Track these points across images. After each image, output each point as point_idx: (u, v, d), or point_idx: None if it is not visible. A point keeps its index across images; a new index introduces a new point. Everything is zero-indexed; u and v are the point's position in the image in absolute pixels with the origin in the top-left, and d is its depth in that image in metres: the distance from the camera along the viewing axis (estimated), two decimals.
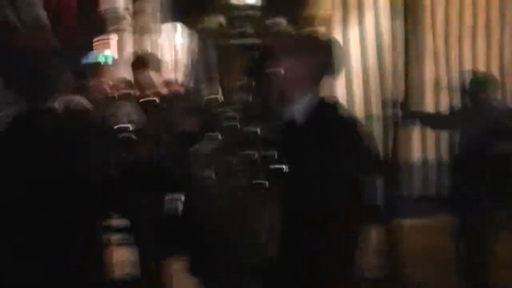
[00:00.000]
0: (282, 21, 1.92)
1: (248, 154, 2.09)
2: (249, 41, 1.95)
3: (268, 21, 1.91)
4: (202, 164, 2.39)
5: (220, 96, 2.14)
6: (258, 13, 1.90)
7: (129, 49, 16.24)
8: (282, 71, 2.71)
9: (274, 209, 2.21)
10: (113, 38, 22.10)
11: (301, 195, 2.36)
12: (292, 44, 2.74)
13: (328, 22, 7.55)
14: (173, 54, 12.73)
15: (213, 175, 2.25)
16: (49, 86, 2.73)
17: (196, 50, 4.05)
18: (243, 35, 1.93)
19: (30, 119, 2.58)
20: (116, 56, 22.16)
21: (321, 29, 7.35)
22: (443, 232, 7.19)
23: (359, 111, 7.90)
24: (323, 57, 2.86)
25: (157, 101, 4.39)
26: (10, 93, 2.55)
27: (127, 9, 15.90)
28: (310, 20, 1.92)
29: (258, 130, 2.10)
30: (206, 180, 2.30)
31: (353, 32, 7.88)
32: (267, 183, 2.11)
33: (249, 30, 1.93)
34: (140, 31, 16.65)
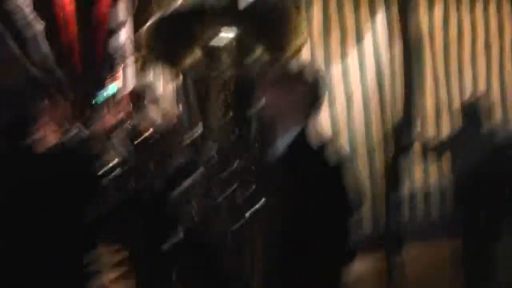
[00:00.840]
0: (264, 53, 1.88)
1: (230, 189, 2.07)
2: (229, 74, 1.93)
3: (249, 53, 1.87)
4: (188, 198, 2.37)
5: (202, 131, 2.11)
6: (238, 45, 1.87)
7: (131, 81, 16.39)
8: (265, 105, 2.68)
9: (257, 243, 2.19)
10: (119, 71, 22.31)
11: (282, 230, 2.33)
12: (275, 76, 2.71)
13: (325, 49, 7.59)
14: (174, 84, 12.82)
15: (198, 209, 2.23)
16: (28, 123, 2.73)
17: (180, 84, 4.05)
18: (222, 68, 1.90)
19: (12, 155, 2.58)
20: (120, 88, 22.33)
21: (319, 57, 7.42)
22: (448, 257, 7.17)
23: (360, 139, 7.89)
24: (308, 89, 2.82)
25: (151, 134, 4.39)
26: None
27: (128, 40, 16.06)
28: (296, 51, 1.88)
29: (241, 165, 2.07)
30: (193, 214, 2.28)
31: (352, 60, 7.88)
32: (250, 217, 2.09)
33: (228, 62, 1.91)
34: (141, 62, 16.76)
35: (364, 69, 7.96)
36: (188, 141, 3.54)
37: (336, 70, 7.71)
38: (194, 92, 2.08)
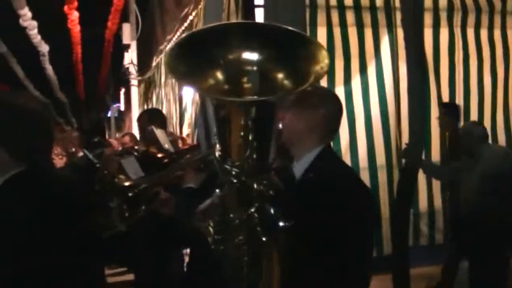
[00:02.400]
0: (282, 76, 1.91)
1: (249, 211, 2.08)
2: (249, 97, 1.95)
3: (267, 77, 1.90)
4: (204, 221, 2.39)
5: (220, 153, 2.12)
6: (257, 69, 1.90)
7: (135, 102, 16.45)
8: (282, 127, 2.73)
9: (275, 266, 2.20)
10: (121, 92, 22.37)
11: (300, 253, 2.35)
12: (292, 99, 2.76)
13: (329, 75, 7.63)
14: (177, 108, 12.86)
15: (215, 232, 2.23)
16: (44, 146, 2.74)
17: (198, 106, 4.07)
18: (242, 91, 1.93)
19: (29, 178, 2.59)
20: (122, 109, 22.35)
21: (322, 82, 7.44)
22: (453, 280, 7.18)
23: (362, 161, 7.92)
24: (325, 112, 2.87)
25: (161, 157, 4.41)
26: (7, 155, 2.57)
27: (131, 63, 16.14)
28: (312, 75, 1.91)
29: (260, 187, 2.09)
30: (208, 237, 2.29)
31: (355, 82, 7.93)
32: (268, 240, 2.10)
33: (248, 85, 1.93)
34: (145, 84, 16.85)
35: (367, 95, 8.01)
36: (204, 164, 3.57)
37: (339, 95, 7.73)
38: (214, 115, 2.10)
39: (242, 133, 2.04)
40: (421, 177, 7.85)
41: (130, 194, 3.75)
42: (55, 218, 2.55)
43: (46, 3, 15.17)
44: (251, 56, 2.05)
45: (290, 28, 2.04)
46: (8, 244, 2.43)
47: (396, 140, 7.96)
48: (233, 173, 2.08)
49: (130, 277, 7.17)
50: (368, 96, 7.99)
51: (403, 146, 7.05)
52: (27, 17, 14.74)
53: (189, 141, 8.42)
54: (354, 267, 2.66)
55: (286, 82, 2.05)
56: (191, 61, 2.03)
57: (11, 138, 2.58)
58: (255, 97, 2.08)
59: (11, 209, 2.48)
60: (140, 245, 3.47)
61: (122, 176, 4.03)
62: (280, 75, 2.05)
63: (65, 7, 14.45)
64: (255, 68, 2.06)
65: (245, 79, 2.09)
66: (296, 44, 2.04)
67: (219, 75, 2.06)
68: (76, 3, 14.08)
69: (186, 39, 2.09)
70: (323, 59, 2.01)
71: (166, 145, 4.63)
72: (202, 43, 2.06)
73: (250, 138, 2.04)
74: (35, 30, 15.90)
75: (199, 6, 9.62)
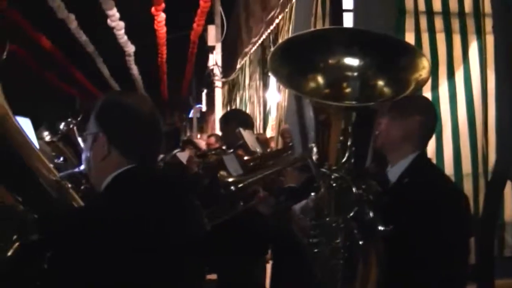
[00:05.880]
0: (383, 83, 1.92)
1: (348, 215, 2.10)
2: (348, 102, 1.96)
3: (367, 83, 1.92)
4: (299, 223, 2.40)
5: (318, 156, 2.15)
6: (358, 74, 1.91)
7: (218, 104, 16.58)
8: (379, 133, 2.74)
9: (371, 270, 2.20)
10: (203, 93, 22.51)
11: (398, 257, 2.35)
12: (389, 106, 2.77)
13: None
14: (261, 111, 12.92)
15: (311, 235, 2.25)
16: (154, 146, 2.78)
17: (293, 108, 4.07)
18: (342, 96, 1.94)
19: (136, 176, 2.63)
20: (204, 110, 22.46)
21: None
22: None
23: (448, 168, 7.79)
24: (420, 119, 2.88)
25: (249, 159, 4.44)
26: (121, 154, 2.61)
27: (216, 64, 16.29)
28: (413, 83, 1.91)
29: (359, 191, 2.10)
30: (304, 240, 2.30)
31: (443, 88, 7.82)
32: (366, 244, 2.11)
33: (348, 91, 1.95)
34: (229, 86, 16.98)
35: (455, 102, 7.89)
36: (299, 166, 3.59)
37: None
38: (314, 119, 2.12)
39: (341, 138, 2.05)
40: (507, 186, 7.67)
41: (233, 189, 3.79)
42: (157, 216, 2.58)
43: (134, 4, 15.45)
44: (352, 62, 2.07)
45: (392, 36, 2.05)
46: (114, 239, 2.46)
47: (482, 149, 7.81)
48: (332, 176, 2.10)
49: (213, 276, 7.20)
50: (455, 103, 7.86)
51: (490, 155, 6.92)
52: (115, 18, 15.05)
53: (273, 143, 8.44)
54: (451, 273, 2.64)
55: (386, 89, 2.06)
56: (293, 64, 2.06)
57: (124, 137, 2.62)
58: (355, 102, 2.09)
59: (117, 206, 2.51)
60: (227, 246, 3.46)
61: (223, 173, 4.07)
62: (381, 82, 2.06)
63: (153, 9, 14.69)
64: (356, 74, 2.08)
65: (345, 84, 2.10)
66: (398, 51, 2.05)
67: (320, 79, 2.08)
68: (163, 5, 14.30)
69: (289, 42, 2.12)
70: (424, 67, 2.02)
71: (255, 148, 4.63)
72: (304, 47, 2.08)
73: (348, 142, 2.05)
74: (122, 31, 16.22)
75: (286, 10, 9.63)
